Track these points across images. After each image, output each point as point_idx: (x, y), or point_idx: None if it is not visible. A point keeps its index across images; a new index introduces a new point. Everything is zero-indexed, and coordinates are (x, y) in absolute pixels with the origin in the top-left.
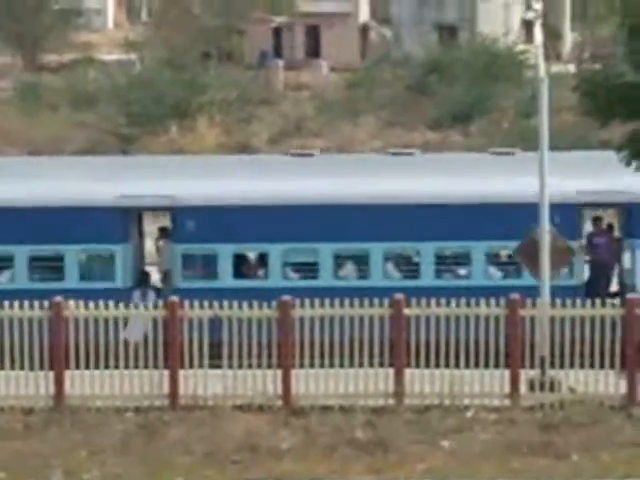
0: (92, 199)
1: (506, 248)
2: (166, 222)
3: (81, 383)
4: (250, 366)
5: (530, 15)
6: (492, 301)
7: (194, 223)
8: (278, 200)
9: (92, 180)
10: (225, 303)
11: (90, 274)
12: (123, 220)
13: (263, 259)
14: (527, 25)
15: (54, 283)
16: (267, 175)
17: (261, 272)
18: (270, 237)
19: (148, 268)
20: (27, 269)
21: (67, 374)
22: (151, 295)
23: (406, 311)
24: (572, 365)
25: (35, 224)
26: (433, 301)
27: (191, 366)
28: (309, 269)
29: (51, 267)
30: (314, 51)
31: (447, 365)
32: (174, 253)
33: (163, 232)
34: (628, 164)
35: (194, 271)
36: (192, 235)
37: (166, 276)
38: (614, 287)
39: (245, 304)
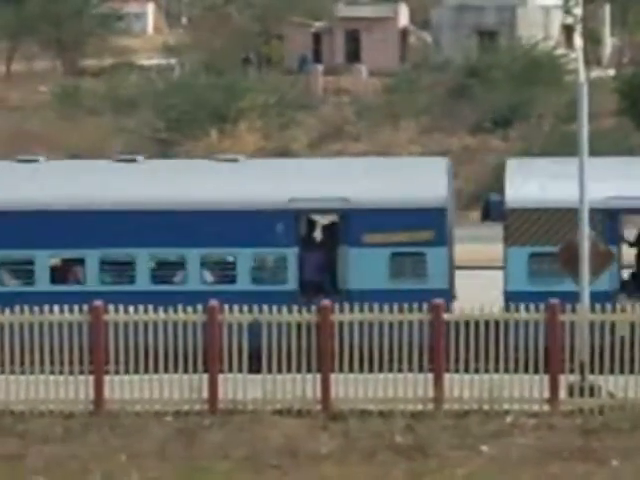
0: None
1: None
2: None
3: (120, 387)
4: (289, 370)
5: (570, 20)
6: (531, 306)
7: None
8: None
9: None
10: (265, 307)
11: None
12: None
13: None
14: (567, 30)
15: None
16: None
17: None
18: None
19: None
20: None
21: (106, 378)
22: None
23: (446, 316)
24: (612, 370)
25: None
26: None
27: (230, 370)
28: None
29: None
30: (354, 56)
31: (486, 370)
32: None
33: None
34: None
35: None
36: None
37: None
38: None
39: (285, 308)
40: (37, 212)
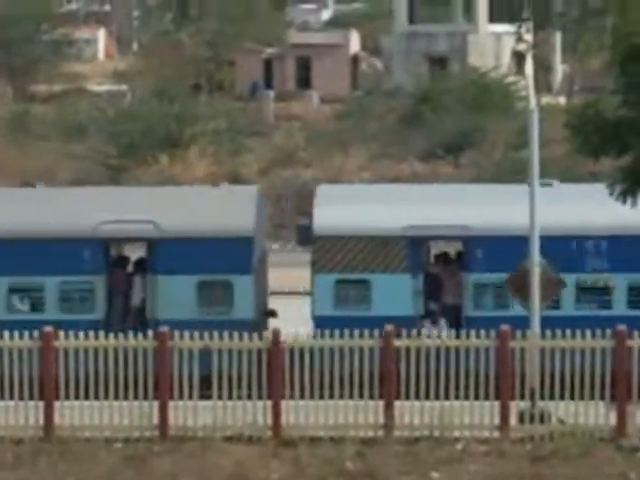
0: None
1: None
2: None
3: (70, 414)
4: (240, 397)
5: (521, 47)
6: (482, 332)
7: None
8: None
9: None
10: (215, 334)
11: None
12: None
13: None
14: (518, 57)
15: None
16: None
17: None
18: None
19: None
20: None
21: (56, 404)
22: None
23: (396, 342)
24: (562, 397)
25: None
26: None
27: (181, 397)
28: None
29: None
30: (305, 82)
31: (437, 397)
32: None
33: None
34: (624, 201)
35: None
36: None
37: None
38: None
39: (236, 335)
40: None
